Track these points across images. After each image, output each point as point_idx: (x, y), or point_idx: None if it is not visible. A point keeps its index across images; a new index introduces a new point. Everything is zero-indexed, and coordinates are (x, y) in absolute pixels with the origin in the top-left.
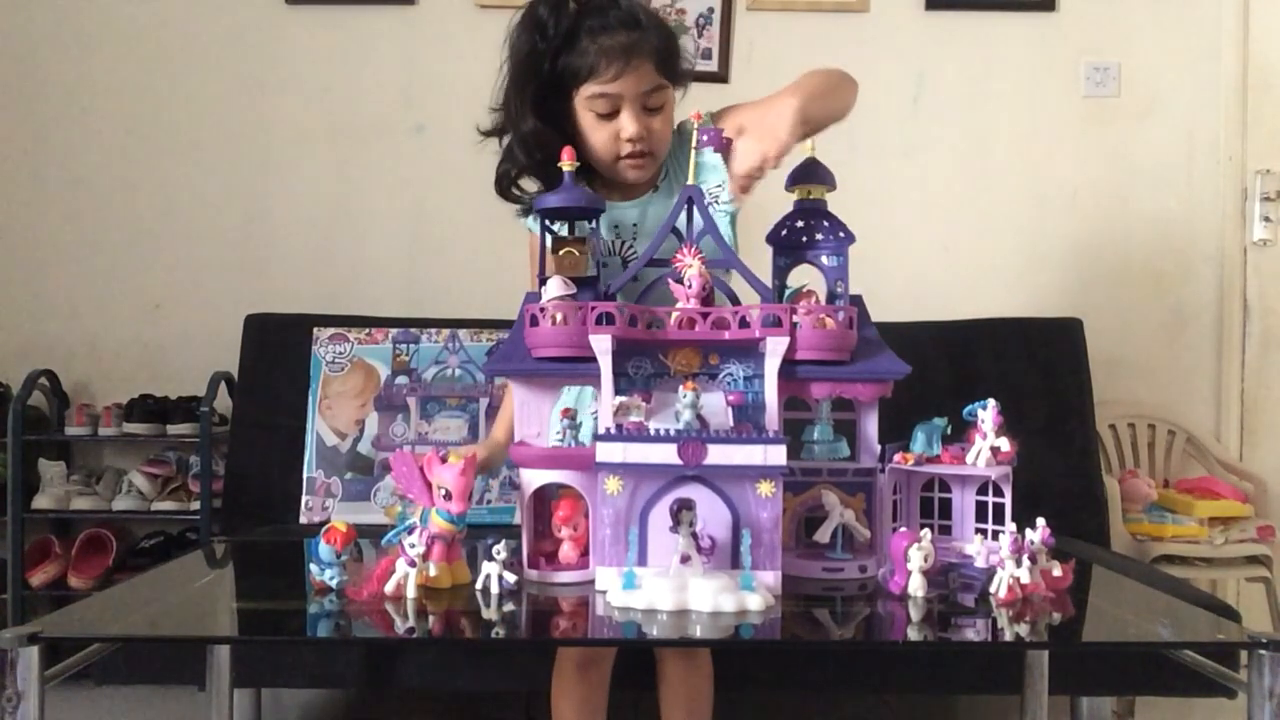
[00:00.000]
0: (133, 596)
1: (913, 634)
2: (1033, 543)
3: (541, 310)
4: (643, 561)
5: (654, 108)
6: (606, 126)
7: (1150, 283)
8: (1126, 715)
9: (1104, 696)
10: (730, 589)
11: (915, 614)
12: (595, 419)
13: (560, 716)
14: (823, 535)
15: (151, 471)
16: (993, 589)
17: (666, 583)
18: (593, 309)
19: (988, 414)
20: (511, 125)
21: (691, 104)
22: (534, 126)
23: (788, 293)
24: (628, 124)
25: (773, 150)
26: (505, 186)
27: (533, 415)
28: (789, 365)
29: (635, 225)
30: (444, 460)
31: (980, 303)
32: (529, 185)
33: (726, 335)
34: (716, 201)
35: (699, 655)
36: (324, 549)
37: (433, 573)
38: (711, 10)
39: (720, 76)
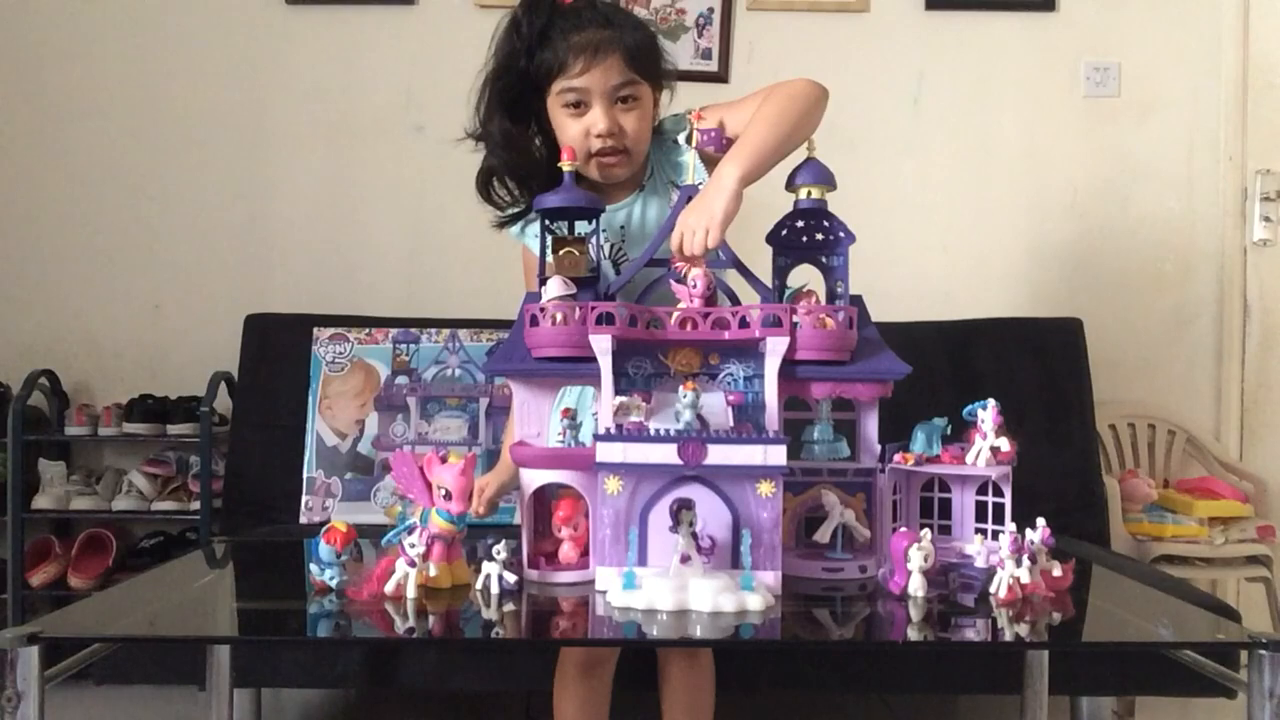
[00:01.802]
0: (133, 596)
1: (913, 634)
2: (1033, 543)
3: (541, 310)
4: (643, 561)
5: (626, 103)
6: (578, 123)
7: (1150, 283)
8: (1126, 715)
9: (1104, 696)
10: (730, 589)
11: (915, 614)
12: (595, 419)
13: (563, 717)
14: (823, 535)
15: (151, 471)
16: (993, 589)
17: (666, 583)
18: (593, 309)
19: (988, 414)
20: (482, 125)
21: (682, 104)
22: (502, 127)
23: (788, 293)
24: (597, 119)
25: (713, 235)
26: (484, 183)
27: (533, 415)
28: (789, 365)
29: (623, 228)
30: (444, 460)
31: (980, 303)
32: (504, 191)
33: (726, 335)
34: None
35: (701, 656)
36: (324, 549)
37: (433, 573)
38: (711, 10)
39: (720, 76)
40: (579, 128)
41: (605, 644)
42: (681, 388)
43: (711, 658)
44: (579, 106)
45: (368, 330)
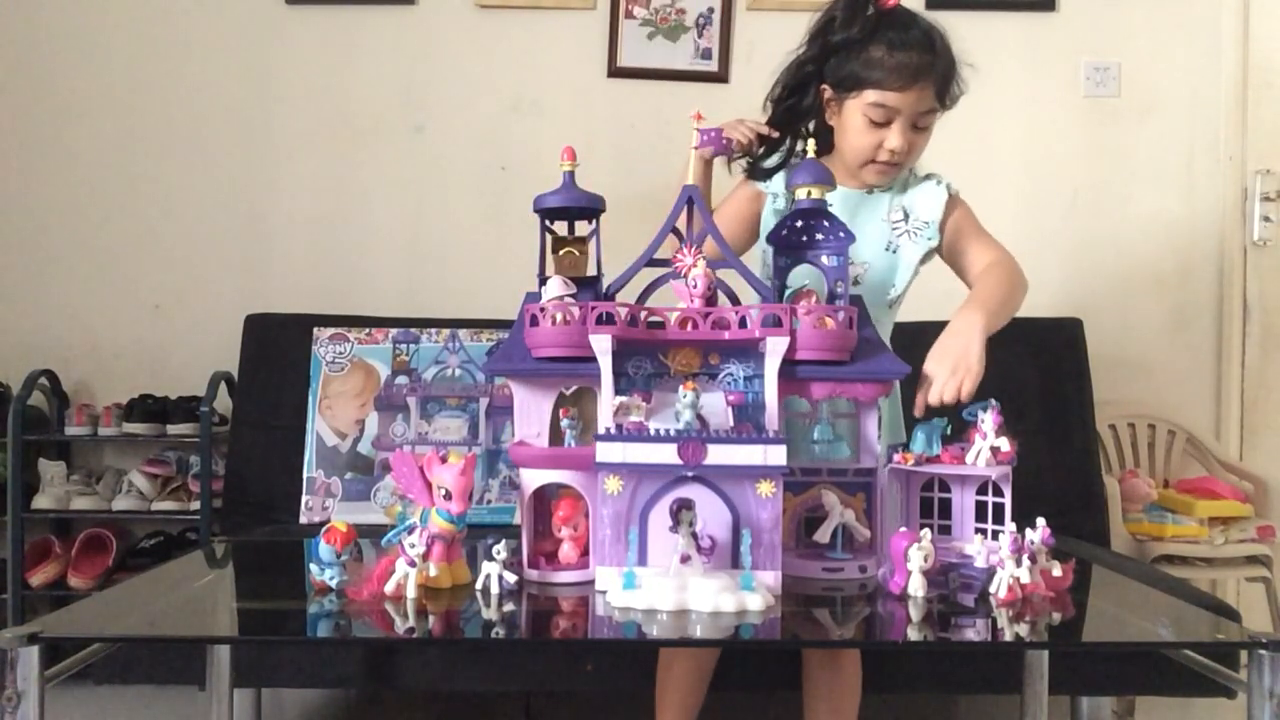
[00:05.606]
0: (133, 596)
1: (913, 634)
2: (1033, 543)
3: (541, 310)
4: (643, 561)
5: (919, 128)
6: (873, 133)
7: (1150, 283)
8: (1126, 715)
9: (1104, 696)
10: (730, 589)
11: (915, 614)
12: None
13: (668, 704)
14: (823, 535)
15: (151, 471)
16: (993, 589)
17: (666, 583)
18: (593, 309)
19: (988, 414)
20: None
21: (683, 105)
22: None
23: (788, 293)
24: (895, 138)
25: (968, 385)
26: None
27: (533, 415)
28: (789, 365)
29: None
30: (444, 460)
31: None
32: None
33: (726, 335)
34: (915, 235)
35: (843, 658)
36: (324, 549)
37: (433, 573)
38: (711, 10)
39: (720, 77)
40: (873, 139)
41: (708, 645)
42: (681, 388)
43: (857, 660)
44: (883, 120)
45: (368, 330)
